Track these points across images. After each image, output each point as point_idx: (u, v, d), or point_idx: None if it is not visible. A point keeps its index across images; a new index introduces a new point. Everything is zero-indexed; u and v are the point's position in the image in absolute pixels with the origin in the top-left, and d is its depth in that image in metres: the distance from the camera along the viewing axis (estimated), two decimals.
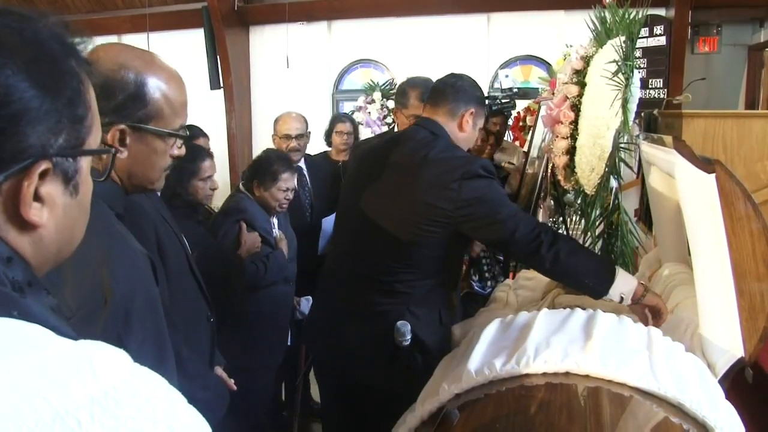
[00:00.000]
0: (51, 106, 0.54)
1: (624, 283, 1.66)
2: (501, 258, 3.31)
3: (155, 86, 1.10)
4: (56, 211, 0.57)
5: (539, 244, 1.66)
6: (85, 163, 0.61)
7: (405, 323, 1.72)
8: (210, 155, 2.35)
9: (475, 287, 3.03)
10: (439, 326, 1.82)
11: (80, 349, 0.46)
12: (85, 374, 0.43)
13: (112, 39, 6.02)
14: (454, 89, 1.90)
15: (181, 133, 1.17)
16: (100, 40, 1.09)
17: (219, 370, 1.57)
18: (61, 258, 0.63)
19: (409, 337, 1.71)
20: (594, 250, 2.42)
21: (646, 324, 1.56)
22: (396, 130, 2.71)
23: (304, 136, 3.25)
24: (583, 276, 1.68)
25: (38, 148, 0.54)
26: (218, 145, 4.39)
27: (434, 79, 2.60)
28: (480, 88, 1.99)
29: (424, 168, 1.75)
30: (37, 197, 0.55)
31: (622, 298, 1.66)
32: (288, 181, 2.53)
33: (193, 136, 2.87)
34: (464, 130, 1.88)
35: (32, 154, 0.53)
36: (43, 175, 0.55)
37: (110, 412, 0.41)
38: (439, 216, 1.70)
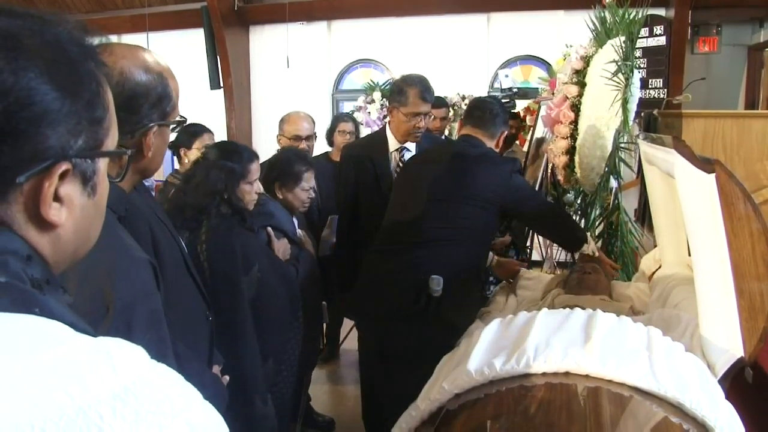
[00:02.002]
0: (71, 108, 0.55)
1: (591, 242, 2.46)
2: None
3: (169, 81, 1.17)
4: (74, 211, 0.59)
5: (554, 216, 2.48)
6: (103, 164, 0.62)
7: (438, 277, 2.09)
8: (256, 156, 2.14)
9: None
10: (470, 279, 2.30)
11: (99, 344, 0.47)
12: (105, 369, 0.44)
13: (112, 39, 6.01)
14: (492, 116, 2.37)
15: (180, 119, 1.22)
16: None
17: (216, 369, 1.57)
18: (77, 257, 0.64)
19: (440, 288, 2.09)
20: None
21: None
22: (389, 128, 2.69)
23: (312, 137, 3.15)
24: (573, 231, 2.48)
25: (58, 149, 0.54)
26: None
27: (431, 78, 2.62)
28: (504, 107, 2.54)
29: (480, 161, 2.29)
30: (57, 197, 0.56)
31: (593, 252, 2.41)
32: (310, 180, 2.48)
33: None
34: (498, 146, 2.46)
35: (52, 155, 0.54)
36: (63, 176, 0.56)
37: (131, 407, 0.42)
38: (493, 199, 2.24)
